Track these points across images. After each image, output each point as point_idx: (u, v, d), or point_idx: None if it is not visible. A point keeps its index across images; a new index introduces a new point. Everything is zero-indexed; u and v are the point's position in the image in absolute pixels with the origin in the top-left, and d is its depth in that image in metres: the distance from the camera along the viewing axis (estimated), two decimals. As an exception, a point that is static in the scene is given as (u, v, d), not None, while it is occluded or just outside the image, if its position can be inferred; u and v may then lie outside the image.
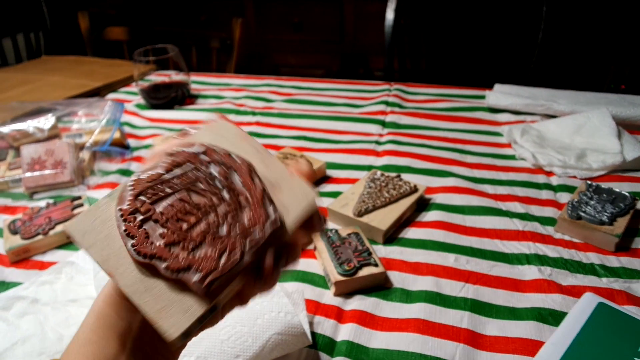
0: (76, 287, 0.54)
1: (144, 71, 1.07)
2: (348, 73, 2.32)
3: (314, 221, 0.31)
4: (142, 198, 0.29)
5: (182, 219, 0.28)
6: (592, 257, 0.58)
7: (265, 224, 0.28)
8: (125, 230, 0.28)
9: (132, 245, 0.27)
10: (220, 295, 0.27)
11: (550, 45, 1.85)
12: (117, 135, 0.84)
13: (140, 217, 0.28)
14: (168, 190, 0.29)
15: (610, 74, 2.26)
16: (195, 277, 0.26)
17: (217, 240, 0.28)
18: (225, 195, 0.29)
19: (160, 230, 0.28)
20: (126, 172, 0.80)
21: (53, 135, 0.82)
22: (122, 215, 0.28)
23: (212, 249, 0.27)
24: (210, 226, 0.28)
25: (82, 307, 0.52)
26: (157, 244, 0.27)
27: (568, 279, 0.55)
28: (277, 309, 0.45)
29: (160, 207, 0.29)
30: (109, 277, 0.27)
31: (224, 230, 0.28)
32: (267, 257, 0.29)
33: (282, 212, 0.30)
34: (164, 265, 0.27)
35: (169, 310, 0.26)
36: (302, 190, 0.31)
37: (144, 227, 0.28)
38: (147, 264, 0.27)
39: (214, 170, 0.30)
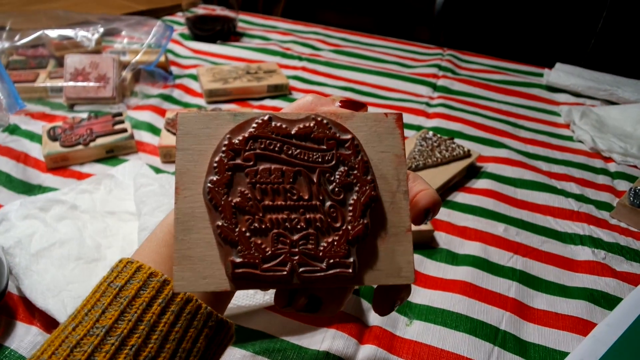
0: (115, 200, 0.53)
1: (192, 1, 1.03)
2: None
3: (390, 297, 0.26)
4: (255, 144, 0.25)
5: (269, 194, 0.24)
6: (650, 248, 0.55)
7: (336, 266, 0.23)
8: (216, 163, 0.24)
9: (210, 182, 0.24)
10: (243, 288, 0.24)
11: (609, 33, 1.76)
12: (162, 59, 0.82)
13: (235, 161, 0.24)
14: (283, 157, 0.25)
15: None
16: (235, 258, 0.23)
17: (280, 240, 0.24)
18: (327, 203, 0.24)
19: (243, 188, 0.24)
20: (167, 98, 0.78)
21: (98, 50, 0.80)
22: (225, 146, 0.24)
23: (269, 245, 0.23)
24: (287, 222, 0.24)
25: (120, 220, 0.51)
26: (230, 199, 0.24)
27: (623, 265, 0.52)
28: None
29: (261, 165, 0.24)
30: (174, 190, 0.24)
31: (294, 235, 0.24)
32: (303, 299, 0.24)
33: (364, 265, 0.24)
34: (219, 222, 0.23)
35: (192, 264, 0.23)
36: (403, 266, 0.24)
37: (232, 172, 0.24)
38: (209, 208, 0.24)
39: (339, 170, 0.25)
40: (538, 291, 0.48)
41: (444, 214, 0.58)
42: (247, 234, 0.23)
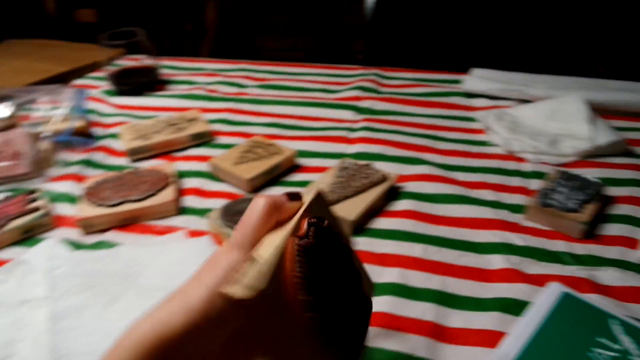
0: (28, 287, 0.52)
1: (112, 55, 1.03)
2: (328, 56, 2.29)
3: None
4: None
5: None
6: (560, 245, 0.57)
7: None
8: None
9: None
10: None
11: (528, 27, 1.84)
12: (80, 124, 0.81)
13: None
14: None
15: (598, 57, 2.26)
16: None
17: None
18: None
19: None
20: (89, 163, 0.77)
21: (11, 124, 0.79)
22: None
23: None
24: None
25: (32, 308, 0.50)
26: None
27: (534, 267, 0.54)
28: None
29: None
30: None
31: None
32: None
33: None
34: None
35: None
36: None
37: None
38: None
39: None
40: (454, 309, 0.50)
41: (364, 243, 0.59)
42: None
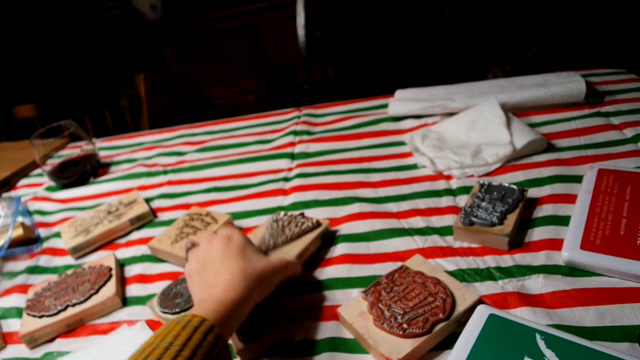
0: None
1: (46, 153, 1.04)
2: (279, 92, 2.33)
3: None
4: None
5: None
6: (489, 261, 0.59)
7: None
8: None
9: None
10: None
11: (459, 26, 1.89)
12: (19, 231, 0.82)
13: None
14: None
15: (530, 38, 2.33)
16: None
17: None
18: None
19: None
20: (34, 269, 0.78)
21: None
22: None
23: None
24: None
25: None
26: None
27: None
28: None
29: None
30: None
31: None
32: None
33: None
34: None
35: None
36: None
37: None
38: None
39: None
40: (392, 352, 0.51)
41: (298, 301, 0.60)
42: None
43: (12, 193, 1.07)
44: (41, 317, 0.64)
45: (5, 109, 1.49)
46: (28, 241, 0.83)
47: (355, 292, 0.59)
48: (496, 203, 0.64)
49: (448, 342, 0.50)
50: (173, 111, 2.04)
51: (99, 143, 1.21)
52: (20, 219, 0.86)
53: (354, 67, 1.96)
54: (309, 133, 1.00)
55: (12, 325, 0.67)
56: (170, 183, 0.94)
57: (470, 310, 0.51)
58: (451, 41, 1.90)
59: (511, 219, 0.61)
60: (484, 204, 0.64)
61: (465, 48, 1.98)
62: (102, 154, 1.13)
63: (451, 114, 0.92)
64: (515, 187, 0.66)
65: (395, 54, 2.04)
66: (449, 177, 0.76)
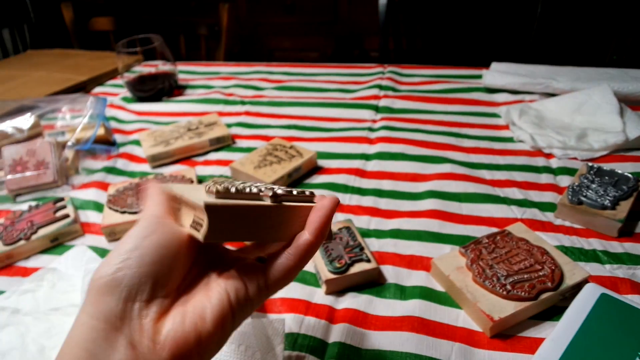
0: (58, 294, 0.53)
1: (129, 63, 1.04)
2: (343, 55, 2.28)
3: None
4: None
5: None
6: (594, 243, 0.56)
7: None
8: None
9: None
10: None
11: (549, 18, 1.80)
12: (101, 131, 0.82)
13: None
14: None
15: (612, 45, 2.20)
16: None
17: None
18: None
19: None
20: (111, 170, 0.78)
21: (35, 134, 0.80)
22: None
23: None
24: None
25: (64, 315, 0.50)
26: None
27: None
28: (237, 341, 0.41)
29: None
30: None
31: None
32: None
33: None
34: None
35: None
36: None
37: None
38: None
39: None
40: (487, 312, 0.48)
41: (390, 244, 0.58)
42: None
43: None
44: (123, 212, 0.64)
45: (81, 20, 1.50)
46: (106, 143, 0.84)
47: (447, 248, 0.57)
48: (608, 187, 0.60)
49: (548, 314, 0.48)
50: (232, 55, 2.02)
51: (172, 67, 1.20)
52: (100, 120, 0.87)
53: (429, 39, 1.89)
54: (394, 89, 0.97)
55: (90, 216, 0.68)
56: (248, 114, 0.93)
57: (577, 287, 0.48)
58: (538, 35, 1.81)
59: (625, 205, 0.57)
60: (594, 185, 0.60)
61: (549, 44, 1.88)
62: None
63: (551, 95, 0.87)
64: (629, 175, 0.61)
65: (475, 34, 1.95)
66: (548, 156, 0.72)
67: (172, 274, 0.27)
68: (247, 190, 0.30)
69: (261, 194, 0.30)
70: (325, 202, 0.32)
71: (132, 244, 0.26)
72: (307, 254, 0.30)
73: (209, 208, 0.27)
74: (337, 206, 0.32)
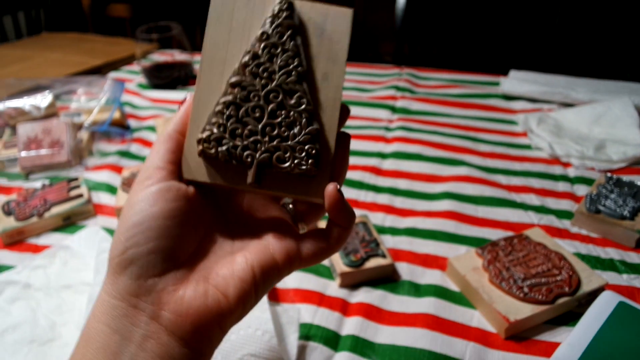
0: (70, 272, 0.52)
1: (147, 50, 1.04)
2: (356, 57, 2.28)
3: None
4: None
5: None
6: (612, 253, 0.55)
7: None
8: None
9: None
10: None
11: (567, 29, 1.79)
12: (117, 115, 0.82)
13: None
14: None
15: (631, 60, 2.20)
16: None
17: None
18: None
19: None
20: (125, 154, 0.78)
21: (50, 113, 0.80)
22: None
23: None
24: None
25: (75, 293, 0.50)
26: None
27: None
28: (255, 325, 0.41)
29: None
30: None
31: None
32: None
33: None
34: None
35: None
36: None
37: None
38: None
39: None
40: (502, 314, 0.48)
41: (405, 242, 0.57)
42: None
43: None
44: (137, 195, 0.63)
45: (99, 6, 1.50)
46: (121, 126, 0.83)
47: (463, 249, 0.56)
48: (627, 198, 0.59)
49: (563, 319, 0.47)
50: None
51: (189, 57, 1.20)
52: (115, 104, 0.86)
53: (446, 45, 1.89)
54: (411, 91, 0.96)
55: (102, 197, 0.67)
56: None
57: (593, 294, 0.48)
58: (555, 45, 1.80)
59: (643, 216, 0.57)
60: (613, 195, 0.60)
61: (567, 55, 1.87)
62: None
63: (569, 105, 0.87)
64: (649, 187, 0.61)
65: (490, 42, 1.95)
66: (566, 165, 0.72)
67: (182, 242, 0.26)
68: (233, 162, 0.27)
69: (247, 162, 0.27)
70: (331, 190, 0.27)
71: (136, 217, 0.25)
72: (342, 240, 0.29)
73: (187, 181, 0.27)
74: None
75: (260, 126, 0.27)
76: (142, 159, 0.77)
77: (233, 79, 0.27)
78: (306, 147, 0.27)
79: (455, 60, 1.97)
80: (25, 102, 0.77)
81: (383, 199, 0.65)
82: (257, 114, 0.27)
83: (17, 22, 1.76)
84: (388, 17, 1.96)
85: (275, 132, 0.27)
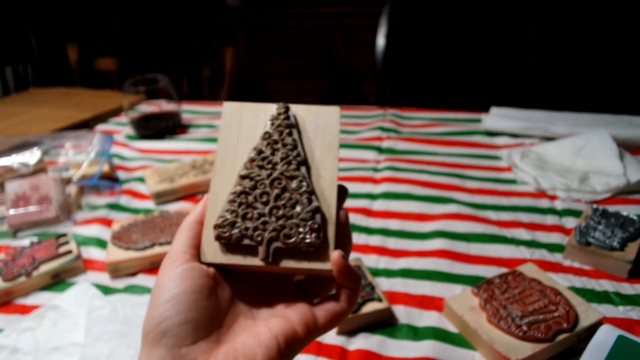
0: (60, 333, 0.51)
1: (134, 101, 1.05)
2: (339, 98, 2.33)
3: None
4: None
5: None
6: (605, 285, 0.55)
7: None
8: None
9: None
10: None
11: (542, 65, 1.87)
12: (106, 168, 0.82)
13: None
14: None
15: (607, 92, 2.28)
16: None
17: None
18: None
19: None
20: (115, 206, 0.77)
21: (39, 169, 0.80)
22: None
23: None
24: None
25: (65, 355, 0.48)
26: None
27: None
28: None
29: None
30: None
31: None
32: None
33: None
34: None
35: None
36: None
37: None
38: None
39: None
40: (503, 354, 0.48)
41: (400, 284, 0.57)
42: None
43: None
44: (127, 249, 0.63)
45: (86, 60, 1.53)
46: (110, 179, 0.83)
47: (458, 288, 0.56)
48: (615, 229, 0.60)
49: (564, 355, 0.47)
50: (234, 97, 2.07)
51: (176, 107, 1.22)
52: (103, 157, 0.87)
53: (426, 85, 1.95)
54: (396, 132, 0.99)
55: (92, 252, 0.66)
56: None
57: (592, 328, 0.48)
58: (532, 82, 1.87)
59: (633, 247, 0.58)
60: (601, 227, 0.61)
61: (544, 90, 1.94)
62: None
63: (550, 139, 0.89)
64: (635, 217, 0.62)
65: (468, 81, 2.02)
66: (552, 198, 0.73)
67: (209, 314, 0.28)
68: (245, 242, 0.29)
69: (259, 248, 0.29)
70: (336, 257, 0.29)
71: (167, 295, 0.27)
72: (352, 302, 0.30)
73: (206, 264, 0.29)
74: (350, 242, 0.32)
75: (267, 209, 0.30)
76: (131, 210, 0.77)
77: (242, 172, 0.31)
78: (309, 223, 0.29)
79: (436, 98, 2.03)
80: (13, 160, 0.77)
81: (375, 240, 0.65)
82: (264, 199, 0.30)
83: (4, 78, 1.78)
84: (369, 59, 2.03)
85: (281, 212, 0.30)
